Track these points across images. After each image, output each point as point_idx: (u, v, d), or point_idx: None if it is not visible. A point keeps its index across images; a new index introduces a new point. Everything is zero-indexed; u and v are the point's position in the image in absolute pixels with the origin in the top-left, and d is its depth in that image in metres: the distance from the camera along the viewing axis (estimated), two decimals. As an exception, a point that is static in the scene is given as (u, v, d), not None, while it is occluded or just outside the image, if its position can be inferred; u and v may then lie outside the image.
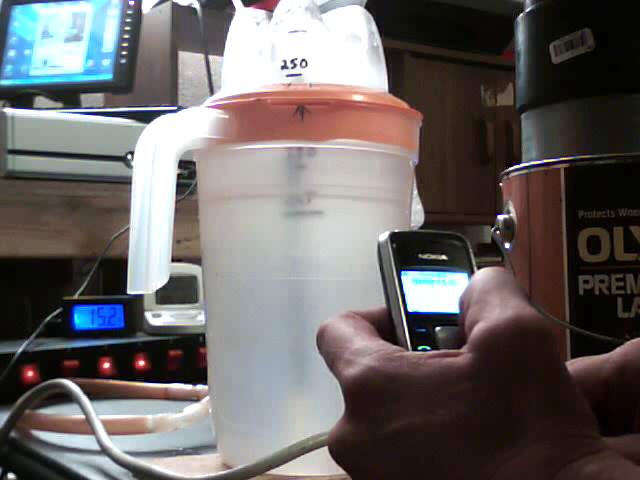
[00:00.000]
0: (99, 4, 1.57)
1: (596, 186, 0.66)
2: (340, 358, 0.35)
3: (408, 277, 0.38)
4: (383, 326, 0.38)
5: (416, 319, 0.37)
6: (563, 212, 0.66)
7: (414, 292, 0.38)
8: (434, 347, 0.36)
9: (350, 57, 0.62)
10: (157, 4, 1.95)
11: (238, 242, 0.62)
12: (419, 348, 0.36)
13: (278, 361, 0.60)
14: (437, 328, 0.37)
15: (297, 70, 0.60)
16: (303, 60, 0.60)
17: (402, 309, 0.37)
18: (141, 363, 1.02)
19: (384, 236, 0.39)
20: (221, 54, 0.66)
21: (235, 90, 0.62)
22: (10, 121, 1.22)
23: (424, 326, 0.37)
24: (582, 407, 0.32)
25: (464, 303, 0.35)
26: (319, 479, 0.58)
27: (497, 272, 0.36)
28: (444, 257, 0.39)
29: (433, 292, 0.38)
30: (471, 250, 0.40)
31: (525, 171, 0.70)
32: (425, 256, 0.39)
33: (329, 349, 0.37)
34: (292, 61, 0.60)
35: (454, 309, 0.36)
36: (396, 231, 0.39)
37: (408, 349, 0.36)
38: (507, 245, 0.70)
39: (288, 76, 0.60)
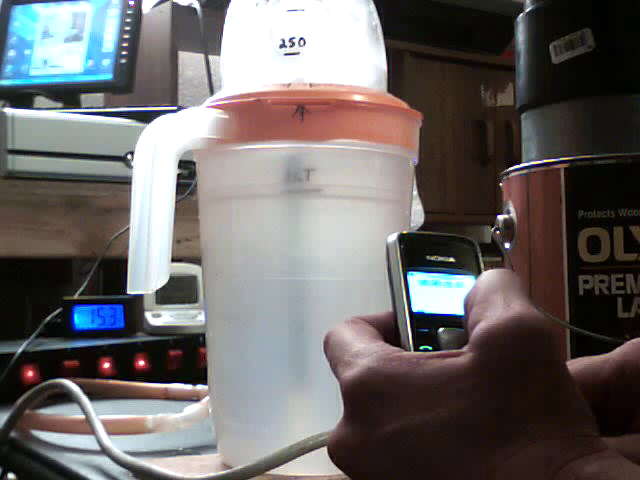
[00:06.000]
0: (99, 4, 1.57)
1: (596, 186, 0.66)
2: (340, 361, 0.36)
3: (414, 278, 0.38)
4: (388, 330, 0.38)
5: (420, 319, 0.37)
6: (563, 212, 0.66)
7: (420, 293, 0.38)
8: (436, 348, 0.36)
9: (348, 36, 0.62)
10: (157, 4, 1.95)
11: (238, 242, 0.62)
12: (421, 348, 0.36)
13: (278, 361, 0.60)
14: (440, 329, 0.37)
15: (295, 49, 0.60)
16: (301, 39, 0.60)
17: (406, 309, 0.37)
18: (141, 363, 1.02)
19: (393, 237, 0.39)
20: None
21: (235, 90, 0.62)
22: (10, 121, 1.22)
23: (427, 327, 0.37)
24: (582, 407, 0.32)
25: (468, 303, 0.35)
26: (319, 479, 0.58)
27: (502, 273, 0.36)
28: (452, 259, 0.39)
29: (439, 294, 0.38)
30: (480, 254, 0.40)
31: (525, 171, 0.70)
32: (433, 258, 0.39)
33: (332, 354, 0.37)
34: (290, 40, 0.60)
35: (459, 311, 0.36)
36: (405, 232, 0.39)
37: (410, 349, 0.36)
38: (507, 245, 0.70)
39: (286, 55, 0.60)
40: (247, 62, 0.63)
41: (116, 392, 0.90)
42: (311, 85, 0.60)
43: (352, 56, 0.62)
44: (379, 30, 0.64)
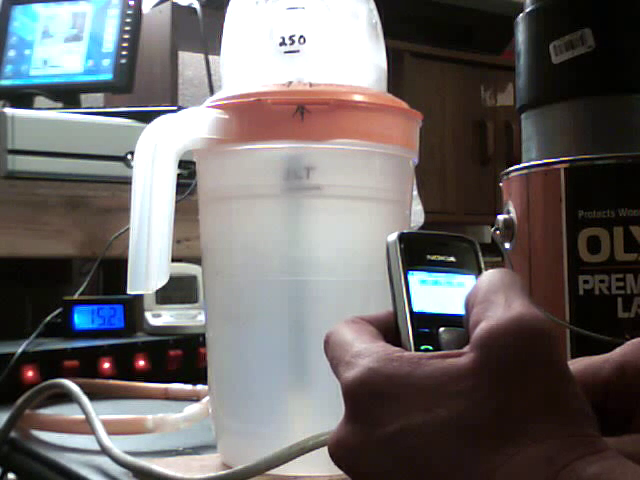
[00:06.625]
0: (99, 4, 1.57)
1: (596, 186, 0.66)
2: (341, 361, 0.36)
3: (415, 277, 0.38)
4: (389, 330, 0.38)
5: (420, 319, 0.37)
6: (563, 212, 0.66)
7: (420, 292, 0.38)
8: (437, 348, 0.36)
9: (349, 34, 0.62)
10: (157, 4, 1.95)
11: (238, 242, 0.62)
12: (421, 348, 0.36)
13: (278, 361, 0.60)
14: (441, 329, 0.37)
15: (295, 47, 0.60)
16: (301, 37, 0.60)
17: (407, 308, 0.37)
18: (141, 363, 1.02)
19: (393, 236, 0.39)
20: (221, 54, 0.66)
21: (235, 90, 0.62)
22: (10, 121, 1.22)
23: (428, 326, 0.37)
24: (583, 407, 0.32)
25: (469, 303, 0.35)
26: (319, 479, 0.58)
27: (504, 273, 0.36)
28: (452, 259, 0.39)
29: (440, 293, 0.38)
30: (480, 253, 0.40)
31: (525, 171, 0.70)
32: (433, 257, 0.39)
33: (332, 354, 0.37)
34: (290, 38, 0.60)
35: (460, 311, 0.36)
36: (405, 231, 0.39)
37: (411, 349, 0.36)
38: (507, 245, 0.70)
39: (286, 53, 0.60)
40: (247, 60, 0.63)
41: (116, 392, 0.90)
42: (311, 85, 0.60)
43: (352, 54, 0.62)
44: (379, 28, 0.64)
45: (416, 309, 0.37)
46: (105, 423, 0.67)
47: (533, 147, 0.73)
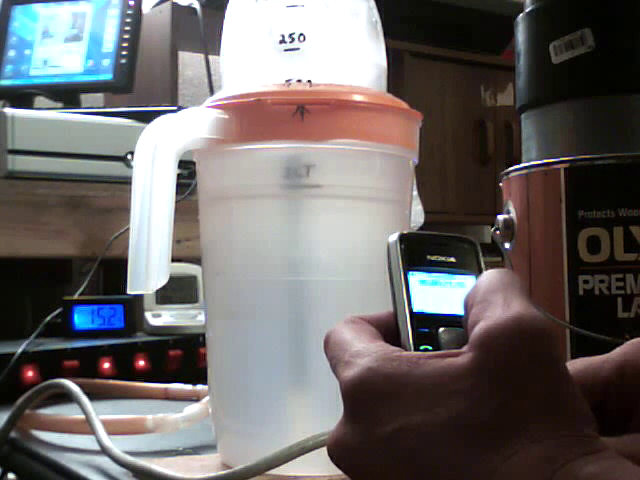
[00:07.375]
0: (99, 4, 1.57)
1: (596, 186, 0.66)
2: (340, 361, 0.36)
3: (415, 278, 0.38)
4: (389, 330, 0.38)
5: (420, 319, 0.37)
6: (563, 212, 0.66)
7: (420, 293, 0.38)
8: (436, 348, 0.36)
9: (348, 32, 0.62)
10: (157, 4, 1.95)
11: (238, 242, 0.62)
12: (421, 348, 0.36)
13: (278, 361, 0.60)
14: (441, 329, 0.37)
15: (295, 44, 0.60)
16: (301, 34, 0.60)
17: (407, 308, 0.37)
18: (141, 363, 1.02)
19: (394, 237, 0.39)
20: (221, 54, 0.66)
21: (235, 90, 0.62)
22: (10, 121, 1.22)
23: (428, 326, 0.37)
24: (582, 407, 0.32)
25: (468, 303, 0.35)
26: (319, 479, 0.58)
27: (503, 273, 0.36)
28: (453, 259, 0.39)
29: (439, 294, 0.38)
30: (481, 254, 0.40)
31: (525, 171, 0.70)
32: (434, 258, 0.39)
33: (332, 354, 0.37)
34: (290, 35, 0.60)
35: (460, 311, 0.36)
36: (406, 232, 0.39)
37: (410, 348, 0.36)
38: (507, 245, 0.71)
39: (286, 51, 0.60)
40: (247, 58, 0.63)
41: (116, 392, 0.90)
42: (311, 84, 0.60)
43: (352, 52, 0.62)
44: (379, 26, 0.64)
45: (416, 309, 0.37)
46: (105, 423, 0.67)
47: (533, 147, 0.73)
